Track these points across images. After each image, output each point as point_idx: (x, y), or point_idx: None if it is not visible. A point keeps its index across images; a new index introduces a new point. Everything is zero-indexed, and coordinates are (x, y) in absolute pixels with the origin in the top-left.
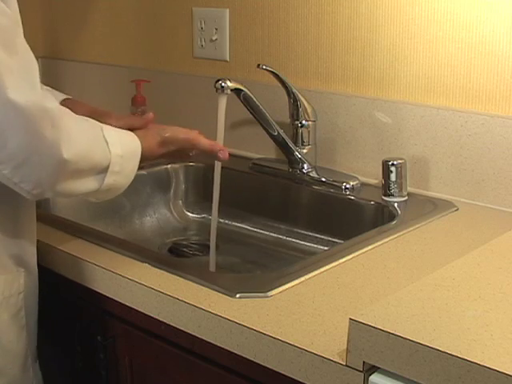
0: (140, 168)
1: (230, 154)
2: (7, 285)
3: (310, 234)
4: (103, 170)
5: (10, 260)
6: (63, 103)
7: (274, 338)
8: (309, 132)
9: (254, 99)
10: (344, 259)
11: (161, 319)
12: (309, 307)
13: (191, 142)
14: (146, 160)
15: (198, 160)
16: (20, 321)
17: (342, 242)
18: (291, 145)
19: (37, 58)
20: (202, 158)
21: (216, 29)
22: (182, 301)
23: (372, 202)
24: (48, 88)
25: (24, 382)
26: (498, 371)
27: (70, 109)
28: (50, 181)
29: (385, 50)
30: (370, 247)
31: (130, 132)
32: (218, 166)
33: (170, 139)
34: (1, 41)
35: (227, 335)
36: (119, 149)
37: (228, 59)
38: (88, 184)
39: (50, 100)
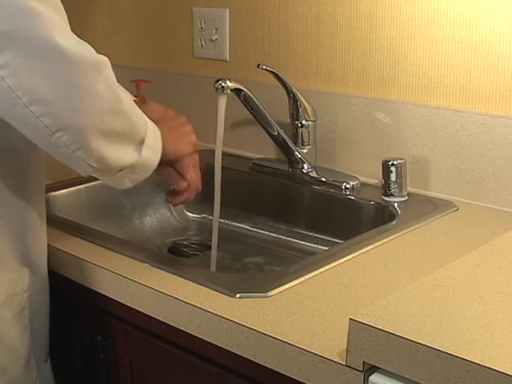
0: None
1: (230, 154)
2: (11, 284)
3: (310, 234)
4: (141, 142)
5: (15, 259)
6: None
7: (274, 338)
8: (309, 132)
9: (254, 99)
10: (344, 259)
11: (161, 319)
12: (309, 307)
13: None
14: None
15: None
16: (24, 320)
17: (342, 242)
18: (291, 145)
19: None
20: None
21: (216, 29)
22: (182, 301)
23: (372, 202)
24: None
25: (27, 381)
26: (498, 371)
27: None
28: (102, 142)
29: (385, 50)
30: (369, 247)
31: None
32: (218, 165)
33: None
34: (53, 6)
35: (227, 335)
36: (150, 123)
37: (228, 59)
38: (129, 154)
39: (98, 54)
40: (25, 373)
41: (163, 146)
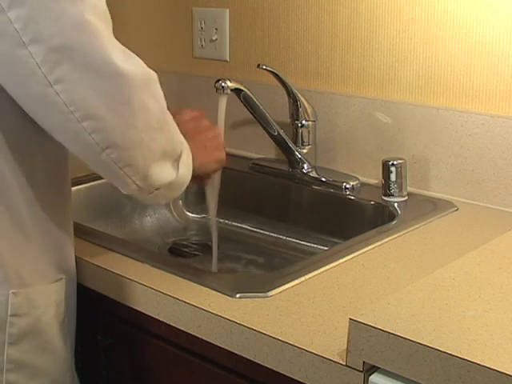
0: None
1: (230, 154)
2: (57, 293)
3: (310, 234)
4: (178, 158)
5: (55, 267)
6: None
7: (274, 338)
8: (309, 132)
9: (254, 99)
10: (344, 259)
11: (161, 319)
12: (309, 307)
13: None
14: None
15: None
16: (65, 328)
17: (342, 242)
18: (291, 145)
19: None
20: None
21: (216, 29)
22: (182, 301)
23: (372, 202)
24: None
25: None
26: (498, 371)
27: None
28: (149, 159)
29: (385, 50)
30: (369, 247)
31: None
32: None
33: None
34: (100, 15)
35: (227, 335)
36: (183, 138)
37: (228, 59)
38: (169, 171)
39: (150, 70)
40: (71, 380)
41: (192, 161)
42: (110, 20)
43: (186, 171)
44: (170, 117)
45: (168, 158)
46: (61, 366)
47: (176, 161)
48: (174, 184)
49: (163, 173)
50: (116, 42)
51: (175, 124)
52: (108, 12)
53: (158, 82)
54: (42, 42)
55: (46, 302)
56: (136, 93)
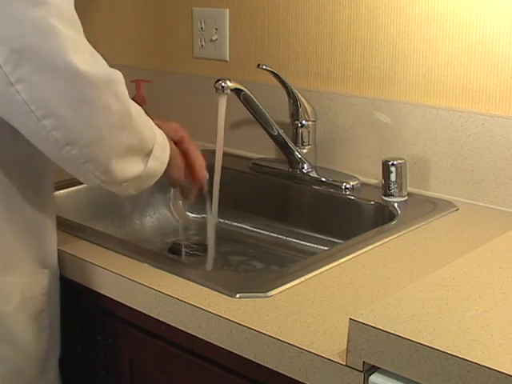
0: None
1: (230, 154)
2: (28, 286)
3: (310, 234)
4: (148, 153)
5: (34, 262)
6: None
7: (274, 337)
8: (309, 132)
9: (254, 99)
10: (344, 259)
11: (161, 319)
12: (309, 307)
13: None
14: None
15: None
16: (41, 322)
17: (342, 242)
18: (291, 145)
19: None
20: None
21: (216, 29)
22: (182, 301)
23: (372, 202)
24: None
25: (43, 383)
26: (498, 371)
27: None
28: (111, 157)
29: (385, 50)
30: (369, 247)
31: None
32: (218, 165)
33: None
34: (65, 18)
35: (227, 335)
36: (159, 135)
37: (228, 59)
38: (136, 165)
39: (113, 71)
40: (42, 375)
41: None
42: (78, 22)
43: (157, 165)
44: (138, 115)
45: (134, 154)
46: (23, 358)
47: (146, 155)
48: (142, 177)
49: (129, 167)
50: (82, 43)
51: (149, 121)
52: (75, 15)
53: (123, 83)
54: (5, 44)
55: (7, 293)
56: (97, 93)
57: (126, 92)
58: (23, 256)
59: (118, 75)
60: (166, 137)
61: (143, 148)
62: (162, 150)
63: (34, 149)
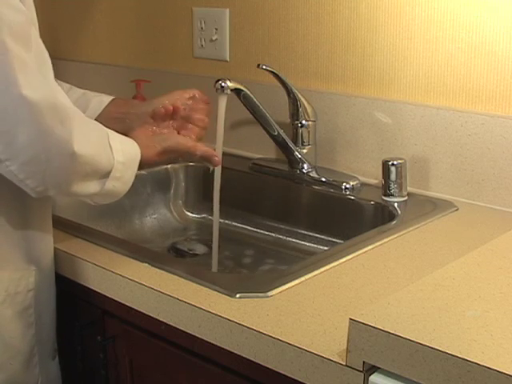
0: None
1: (230, 154)
2: (12, 282)
3: (310, 234)
4: (105, 175)
5: (20, 258)
6: (112, 103)
7: (274, 337)
8: (309, 132)
9: (254, 99)
10: (344, 259)
11: (161, 319)
12: (309, 307)
13: (190, 151)
14: (143, 168)
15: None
16: (27, 318)
17: (342, 242)
18: (291, 145)
19: None
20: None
21: (216, 29)
22: (182, 301)
23: (372, 202)
24: (71, 86)
25: (27, 379)
26: (498, 371)
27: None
28: (55, 179)
29: (385, 49)
30: (369, 247)
31: (131, 140)
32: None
33: (170, 149)
34: (16, 36)
35: (227, 335)
36: (121, 156)
37: (228, 59)
38: (90, 187)
39: (62, 97)
40: (25, 370)
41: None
42: (31, 42)
43: (119, 185)
44: (94, 140)
45: (89, 177)
46: (6, 352)
47: (103, 177)
48: (98, 195)
49: (83, 188)
50: (32, 64)
51: (106, 145)
52: (29, 34)
53: (74, 112)
54: None
55: None
56: (37, 118)
57: (77, 120)
58: (7, 252)
59: (62, 102)
60: (138, 151)
61: (97, 171)
62: (123, 170)
63: None
